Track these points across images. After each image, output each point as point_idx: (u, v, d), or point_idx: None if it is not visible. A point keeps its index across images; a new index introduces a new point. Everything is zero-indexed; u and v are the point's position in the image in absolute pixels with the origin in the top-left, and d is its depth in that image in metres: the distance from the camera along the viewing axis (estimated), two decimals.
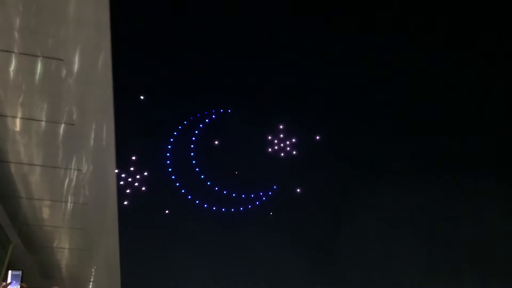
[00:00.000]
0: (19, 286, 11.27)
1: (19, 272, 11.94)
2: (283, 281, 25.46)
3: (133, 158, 25.94)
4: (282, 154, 28.15)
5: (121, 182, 24.87)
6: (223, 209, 27.25)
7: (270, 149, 28.20)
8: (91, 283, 18.10)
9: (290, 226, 26.80)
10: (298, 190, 27.51)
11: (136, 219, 23.60)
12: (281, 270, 25.27)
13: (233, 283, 26.07)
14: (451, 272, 26.01)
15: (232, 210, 27.33)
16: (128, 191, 25.23)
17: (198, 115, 28.36)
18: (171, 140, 27.84)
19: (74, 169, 10.67)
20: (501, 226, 24.92)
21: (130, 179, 25.47)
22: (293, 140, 28.28)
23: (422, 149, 27.66)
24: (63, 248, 14.95)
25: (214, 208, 27.20)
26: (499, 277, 25.12)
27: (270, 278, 25.75)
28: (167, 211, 26.33)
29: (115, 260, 15.83)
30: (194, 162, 27.67)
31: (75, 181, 11.15)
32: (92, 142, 9.84)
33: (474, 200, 25.89)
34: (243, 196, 27.62)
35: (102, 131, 9.54)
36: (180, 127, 28.07)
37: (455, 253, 26.20)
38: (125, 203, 23.91)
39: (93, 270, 16.81)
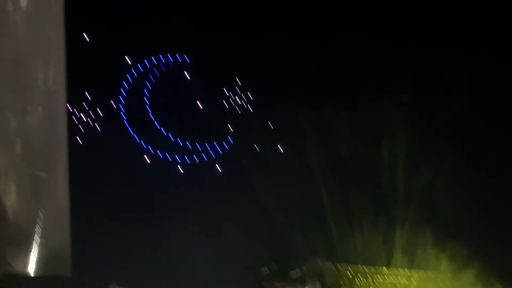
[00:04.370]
0: None
1: None
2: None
3: (85, 98, 25.40)
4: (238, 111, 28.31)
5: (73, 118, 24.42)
6: (179, 161, 27.32)
7: (226, 104, 28.23)
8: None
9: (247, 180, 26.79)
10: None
11: (88, 165, 23.13)
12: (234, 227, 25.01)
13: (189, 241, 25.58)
14: None
15: (189, 162, 27.47)
16: (80, 130, 24.92)
17: (155, 63, 27.60)
18: (127, 87, 27.12)
19: (21, 112, 10.21)
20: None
21: (81, 119, 25.15)
22: (249, 96, 28.39)
23: None
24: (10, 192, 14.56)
25: (170, 159, 27.20)
26: None
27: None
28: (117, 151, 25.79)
29: (65, 205, 15.65)
30: (150, 112, 27.28)
31: (23, 124, 10.71)
32: (40, 82, 9.43)
33: None
34: (199, 148, 27.74)
35: (50, 71, 9.16)
36: (136, 75, 27.30)
37: None
38: (76, 146, 23.32)
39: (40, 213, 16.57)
